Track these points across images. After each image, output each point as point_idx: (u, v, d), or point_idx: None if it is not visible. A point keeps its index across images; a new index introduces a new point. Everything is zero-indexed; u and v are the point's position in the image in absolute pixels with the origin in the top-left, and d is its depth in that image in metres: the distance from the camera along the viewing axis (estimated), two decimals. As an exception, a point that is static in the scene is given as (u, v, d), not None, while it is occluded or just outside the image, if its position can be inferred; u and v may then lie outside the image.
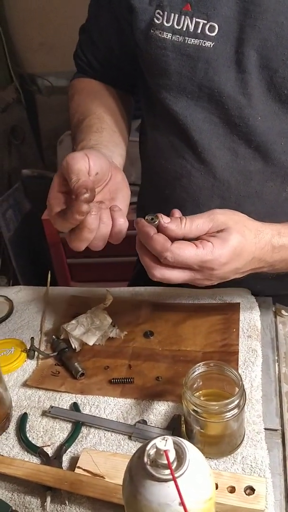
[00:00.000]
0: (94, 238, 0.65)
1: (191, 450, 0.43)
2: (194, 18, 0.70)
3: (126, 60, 0.87)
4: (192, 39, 0.71)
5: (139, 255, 0.64)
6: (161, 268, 0.62)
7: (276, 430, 0.68)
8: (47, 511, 0.61)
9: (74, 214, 0.61)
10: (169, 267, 0.62)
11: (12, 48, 2.14)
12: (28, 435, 0.71)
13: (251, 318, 0.84)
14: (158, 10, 0.72)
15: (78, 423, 0.71)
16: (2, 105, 2.13)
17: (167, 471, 0.42)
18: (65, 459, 0.67)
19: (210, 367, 0.65)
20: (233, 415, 0.61)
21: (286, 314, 0.86)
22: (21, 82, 2.21)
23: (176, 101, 0.77)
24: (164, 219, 0.62)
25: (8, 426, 0.73)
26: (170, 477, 0.41)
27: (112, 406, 0.73)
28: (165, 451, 0.41)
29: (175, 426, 0.68)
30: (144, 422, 0.70)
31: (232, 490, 0.59)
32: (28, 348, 0.84)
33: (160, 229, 0.62)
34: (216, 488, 0.58)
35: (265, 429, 0.67)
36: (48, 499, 0.62)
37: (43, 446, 0.69)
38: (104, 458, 0.65)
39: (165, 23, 0.72)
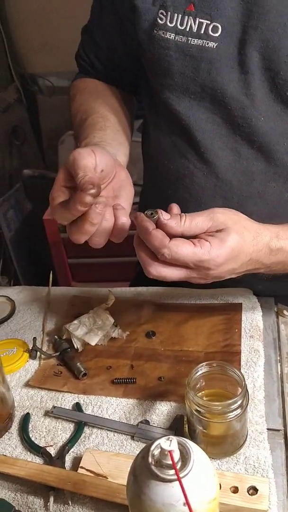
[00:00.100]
0: (95, 234, 0.65)
1: (196, 451, 0.43)
2: (197, 19, 0.70)
3: (129, 60, 0.87)
4: (195, 40, 0.71)
5: (136, 251, 0.64)
6: (157, 265, 0.62)
7: (278, 430, 0.68)
8: (50, 511, 0.61)
9: (77, 204, 0.60)
10: (165, 265, 0.62)
11: (13, 48, 2.15)
12: (30, 435, 0.71)
13: (253, 319, 0.84)
14: (161, 10, 0.72)
15: (80, 423, 0.71)
16: (3, 105, 2.13)
17: (172, 472, 0.42)
18: (68, 459, 0.67)
19: (213, 367, 0.65)
20: (236, 415, 0.61)
21: (288, 314, 0.86)
22: (22, 82, 2.21)
23: (179, 101, 0.77)
24: (164, 216, 0.61)
25: (11, 426, 0.73)
26: (175, 477, 0.41)
27: (115, 406, 0.73)
28: (169, 451, 0.41)
29: (177, 426, 0.68)
30: (146, 422, 0.70)
31: (235, 490, 0.59)
32: (30, 348, 0.84)
33: (159, 225, 0.61)
34: (219, 488, 0.58)
35: (267, 429, 0.67)
36: (51, 499, 0.62)
37: (46, 446, 0.69)
38: (107, 458, 0.65)
39: (168, 23, 0.72)
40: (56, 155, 2.13)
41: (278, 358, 0.78)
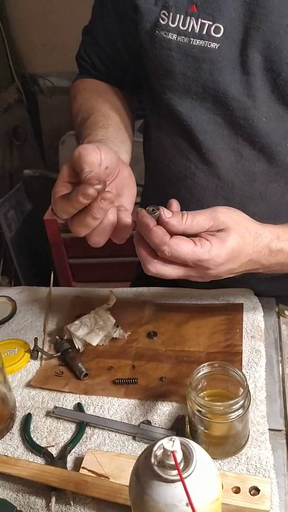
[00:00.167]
0: (95, 232, 0.64)
1: (198, 451, 0.43)
2: (199, 19, 0.70)
3: (131, 60, 0.87)
4: (198, 40, 0.71)
5: (135, 247, 0.63)
6: (156, 263, 0.62)
7: (280, 430, 0.68)
8: (52, 512, 0.61)
9: (79, 195, 0.59)
10: (164, 262, 0.62)
11: (14, 48, 2.15)
12: (32, 436, 0.71)
13: (254, 319, 0.84)
14: (163, 11, 0.72)
15: (82, 423, 0.71)
16: (4, 106, 2.13)
17: (174, 472, 0.42)
18: (70, 459, 0.67)
19: (214, 367, 0.65)
20: (237, 416, 0.61)
21: (290, 314, 0.86)
22: (23, 83, 2.21)
23: (181, 102, 0.77)
24: (165, 213, 0.61)
25: (12, 427, 0.73)
26: (177, 478, 0.41)
27: (116, 407, 0.73)
28: (172, 452, 0.41)
29: (179, 426, 0.68)
30: (148, 422, 0.70)
31: (237, 490, 0.59)
32: (31, 348, 0.84)
33: (160, 222, 0.61)
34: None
35: (269, 429, 0.67)
36: (53, 499, 0.62)
37: (47, 447, 0.69)
38: (108, 458, 0.65)
39: (170, 24, 0.72)
40: (57, 155, 2.13)
41: (280, 358, 0.78)
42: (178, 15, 0.71)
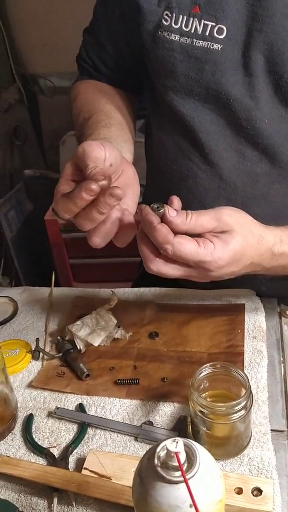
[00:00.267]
0: (96, 233, 0.63)
1: (201, 452, 0.43)
2: (202, 20, 0.70)
3: (134, 61, 0.86)
4: (200, 41, 0.71)
5: (138, 244, 0.63)
6: (158, 261, 0.61)
7: (282, 431, 0.68)
8: (54, 512, 0.61)
9: (82, 192, 0.57)
10: (166, 261, 0.62)
11: (15, 48, 2.15)
12: (34, 436, 0.71)
13: (256, 319, 0.84)
14: (166, 12, 0.72)
15: (84, 424, 0.71)
16: (5, 106, 2.14)
17: (178, 473, 0.42)
18: (72, 460, 0.67)
19: (216, 368, 0.65)
20: (240, 417, 0.61)
21: (291, 315, 0.86)
22: (24, 83, 2.21)
23: (183, 103, 0.76)
24: (170, 212, 0.60)
25: (14, 427, 0.73)
26: (181, 479, 0.41)
27: (118, 407, 0.73)
28: (176, 453, 0.41)
29: (181, 427, 0.68)
30: (150, 423, 0.70)
31: (239, 491, 0.59)
32: (33, 349, 0.84)
33: (164, 220, 0.60)
34: (224, 489, 0.58)
35: (271, 430, 0.67)
36: (55, 500, 0.62)
37: (49, 447, 0.69)
38: (110, 459, 0.65)
39: (173, 24, 0.72)
40: (57, 155, 2.13)
41: (282, 359, 0.78)
42: (181, 16, 0.71)
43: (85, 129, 0.79)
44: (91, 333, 0.82)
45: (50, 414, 0.73)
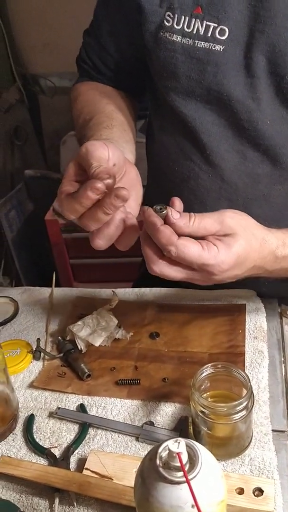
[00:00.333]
0: (99, 235, 0.62)
1: (203, 453, 0.44)
2: (204, 21, 0.70)
3: (136, 62, 0.86)
4: (202, 42, 0.71)
5: (141, 245, 0.62)
6: (161, 263, 0.61)
7: (283, 431, 0.68)
8: (55, 513, 0.61)
9: (87, 191, 0.57)
10: (169, 263, 0.61)
11: (15, 48, 2.15)
12: (35, 437, 0.71)
13: (257, 320, 0.84)
14: (168, 12, 0.72)
15: (85, 424, 0.71)
16: (5, 106, 2.14)
17: (180, 474, 0.42)
18: (73, 460, 0.67)
19: (218, 368, 0.65)
20: (241, 417, 0.61)
21: (292, 315, 0.86)
22: (24, 83, 2.21)
23: (185, 104, 0.76)
24: (173, 214, 0.60)
25: (15, 427, 0.73)
26: (183, 479, 0.41)
27: (119, 408, 0.73)
28: (178, 453, 0.41)
29: (182, 427, 0.68)
30: (151, 423, 0.70)
31: (240, 491, 0.59)
32: (34, 349, 0.84)
33: (167, 222, 0.60)
34: (225, 489, 0.58)
35: (272, 430, 0.67)
36: (57, 500, 0.62)
37: (50, 448, 0.69)
38: (112, 459, 0.65)
39: (175, 25, 0.72)
40: (58, 155, 2.13)
41: (283, 359, 0.78)
42: (183, 17, 0.71)
43: (86, 131, 0.79)
44: (92, 333, 0.82)
45: (51, 414, 0.73)
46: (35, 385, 0.78)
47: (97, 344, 0.81)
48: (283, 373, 0.76)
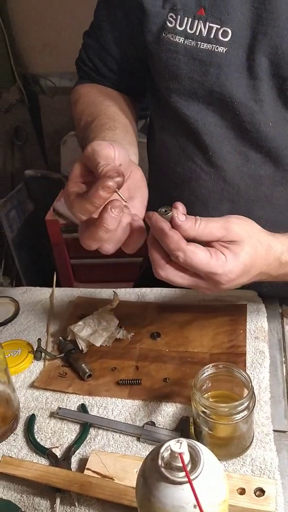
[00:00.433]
0: (107, 240, 0.61)
1: (205, 453, 0.44)
2: (207, 23, 0.70)
3: (138, 63, 0.86)
4: (205, 44, 0.70)
5: (148, 249, 0.62)
6: (168, 268, 0.61)
7: (285, 431, 0.68)
8: (56, 513, 0.61)
9: (99, 190, 0.56)
10: (176, 269, 0.61)
11: (16, 48, 2.15)
12: (36, 437, 0.71)
13: (258, 320, 0.84)
14: (171, 14, 0.72)
15: (86, 424, 0.71)
16: (5, 106, 2.14)
17: (182, 474, 0.42)
18: (74, 460, 0.67)
19: (219, 368, 0.65)
20: (242, 417, 0.61)
21: (293, 316, 0.86)
22: (24, 83, 2.21)
23: (187, 105, 0.76)
24: (179, 216, 0.59)
25: (16, 428, 0.73)
26: (185, 479, 0.41)
27: (120, 408, 0.73)
28: (180, 453, 0.41)
29: (183, 427, 0.69)
30: (152, 423, 0.70)
31: (242, 492, 0.59)
32: (35, 349, 0.84)
33: (172, 224, 0.59)
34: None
35: (273, 430, 0.67)
36: (58, 500, 0.62)
37: (51, 448, 0.69)
38: (113, 459, 0.65)
39: (177, 27, 0.71)
40: (58, 155, 2.13)
41: (284, 359, 0.78)
42: (186, 18, 0.71)
43: (88, 133, 0.78)
44: (93, 333, 0.82)
45: (52, 415, 0.73)
46: (36, 385, 0.78)
47: (98, 344, 0.81)
48: (284, 373, 0.76)
